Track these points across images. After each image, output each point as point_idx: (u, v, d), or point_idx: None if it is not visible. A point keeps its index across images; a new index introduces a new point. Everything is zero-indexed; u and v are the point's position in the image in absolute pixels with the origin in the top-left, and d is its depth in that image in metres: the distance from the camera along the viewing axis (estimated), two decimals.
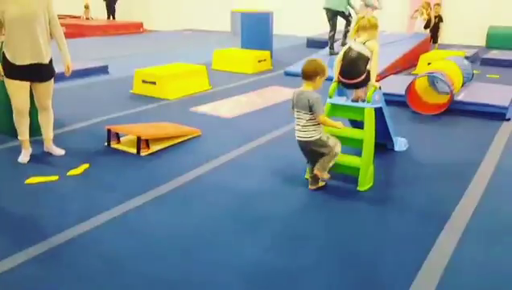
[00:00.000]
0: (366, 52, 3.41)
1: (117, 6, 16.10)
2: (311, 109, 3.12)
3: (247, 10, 10.89)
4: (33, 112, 3.95)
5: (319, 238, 2.73)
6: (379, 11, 8.76)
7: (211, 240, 2.70)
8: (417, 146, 4.30)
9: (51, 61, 3.73)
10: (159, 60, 8.01)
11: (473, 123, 5.06)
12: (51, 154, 3.97)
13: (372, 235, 2.78)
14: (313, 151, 3.25)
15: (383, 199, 3.26)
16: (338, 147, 3.28)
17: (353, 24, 8.75)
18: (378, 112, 3.66)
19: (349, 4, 8.43)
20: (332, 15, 8.50)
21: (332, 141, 3.25)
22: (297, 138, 3.28)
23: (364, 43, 3.44)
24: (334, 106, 3.53)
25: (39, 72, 3.66)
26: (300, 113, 3.19)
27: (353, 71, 3.42)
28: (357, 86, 3.48)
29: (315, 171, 3.25)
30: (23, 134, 3.81)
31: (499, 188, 3.42)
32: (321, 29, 12.40)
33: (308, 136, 3.20)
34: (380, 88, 3.51)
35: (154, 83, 6.17)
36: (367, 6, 8.68)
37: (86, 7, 16.21)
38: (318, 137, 3.21)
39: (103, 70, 7.79)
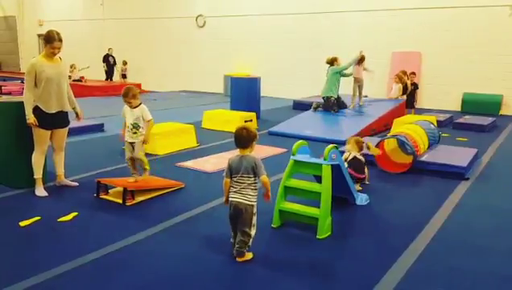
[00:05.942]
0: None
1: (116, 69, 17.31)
2: (254, 173, 3.24)
3: (238, 75, 11.73)
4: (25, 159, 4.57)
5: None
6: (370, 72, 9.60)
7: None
8: (378, 201, 4.72)
9: (67, 112, 4.82)
10: (155, 119, 8.54)
11: (434, 182, 5.50)
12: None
13: (321, 274, 3.15)
14: (241, 220, 3.23)
15: (338, 246, 3.65)
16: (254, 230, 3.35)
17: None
18: (338, 169, 4.15)
19: (343, 74, 9.21)
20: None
21: (254, 228, 3.33)
22: (233, 200, 3.25)
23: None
24: (297, 162, 4.02)
25: (61, 118, 4.71)
26: (242, 178, 3.23)
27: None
28: None
29: (238, 257, 3.27)
30: (40, 172, 4.69)
31: (435, 251, 3.78)
32: (307, 92, 13.25)
33: (246, 199, 3.23)
34: (337, 147, 4.03)
35: None
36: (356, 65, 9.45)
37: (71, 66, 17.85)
38: (254, 204, 3.25)
39: (99, 128, 8.36)
